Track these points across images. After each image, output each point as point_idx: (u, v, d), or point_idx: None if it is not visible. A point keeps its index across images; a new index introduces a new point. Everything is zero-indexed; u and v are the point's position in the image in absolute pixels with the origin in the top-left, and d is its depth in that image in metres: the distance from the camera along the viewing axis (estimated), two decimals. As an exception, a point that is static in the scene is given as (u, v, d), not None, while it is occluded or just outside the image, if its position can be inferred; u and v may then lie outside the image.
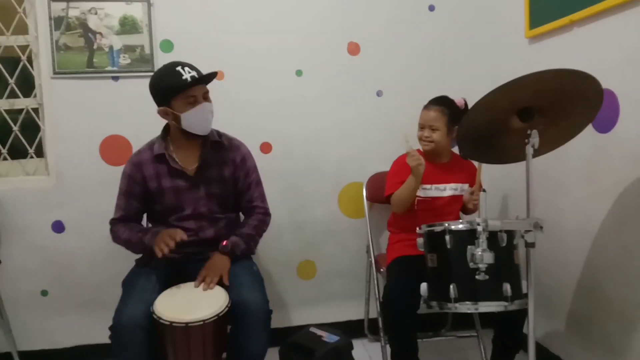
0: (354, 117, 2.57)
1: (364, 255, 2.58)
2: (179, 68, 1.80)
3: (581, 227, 1.98)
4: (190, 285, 1.82)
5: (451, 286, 1.57)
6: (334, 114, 2.55)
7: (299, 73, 2.51)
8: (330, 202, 2.60)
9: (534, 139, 1.53)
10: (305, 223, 2.59)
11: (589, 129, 1.84)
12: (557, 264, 2.12)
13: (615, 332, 1.84)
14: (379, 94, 2.58)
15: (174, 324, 1.62)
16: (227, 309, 1.71)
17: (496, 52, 2.55)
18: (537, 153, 1.59)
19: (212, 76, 1.86)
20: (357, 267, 2.62)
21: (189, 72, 1.79)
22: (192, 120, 1.85)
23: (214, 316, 1.65)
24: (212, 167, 1.96)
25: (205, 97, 1.87)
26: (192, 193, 1.94)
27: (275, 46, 2.47)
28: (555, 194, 2.11)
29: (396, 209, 2.15)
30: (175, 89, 1.80)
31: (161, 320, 1.63)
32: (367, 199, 2.52)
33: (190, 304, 1.71)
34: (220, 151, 1.99)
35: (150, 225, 2.07)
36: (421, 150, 2.18)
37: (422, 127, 2.14)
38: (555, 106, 1.55)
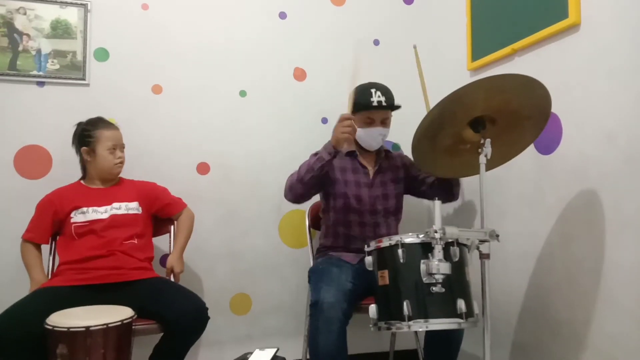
0: (298, 143, 2.48)
1: (304, 290, 2.42)
2: (373, 90, 2.04)
3: (526, 250, 1.95)
4: (87, 307, 1.69)
5: (404, 303, 1.46)
6: (277, 138, 2.47)
7: (242, 94, 2.43)
8: (270, 230, 2.46)
9: (487, 148, 1.52)
10: (241, 253, 2.41)
11: (533, 151, 1.87)
12: (502, 291, 2.07)
13: (563, 355, 1.79)
14: (324, 121, 2.54)
15: (71, 330, 1.47)
16: (131, 320, 1.62)
17: (437, 85, 2.59)
18: (488, 166, 1.58)
19: (396, 107, 2.09)
20: (297, 303, 2.46)
21: (379, 97, 2.03)
22: (363, 136, 2.09)
23: (118, 321, 1.55)
24: (386, 172, 2.19)
25: (384, 123, 2.08)
26: (370, 191, 2.13)
27: (219, 64, 2.40)
28: (499, 220, 2.09)
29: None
30: (361, 106, 2.02)
31: (56, 328, 1.47)
32: (310, 227, 2.40)
33: (91, 314, 1.59)
34: (389, 160, 2.23)
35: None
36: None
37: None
38: (504, 114, 1.56)
